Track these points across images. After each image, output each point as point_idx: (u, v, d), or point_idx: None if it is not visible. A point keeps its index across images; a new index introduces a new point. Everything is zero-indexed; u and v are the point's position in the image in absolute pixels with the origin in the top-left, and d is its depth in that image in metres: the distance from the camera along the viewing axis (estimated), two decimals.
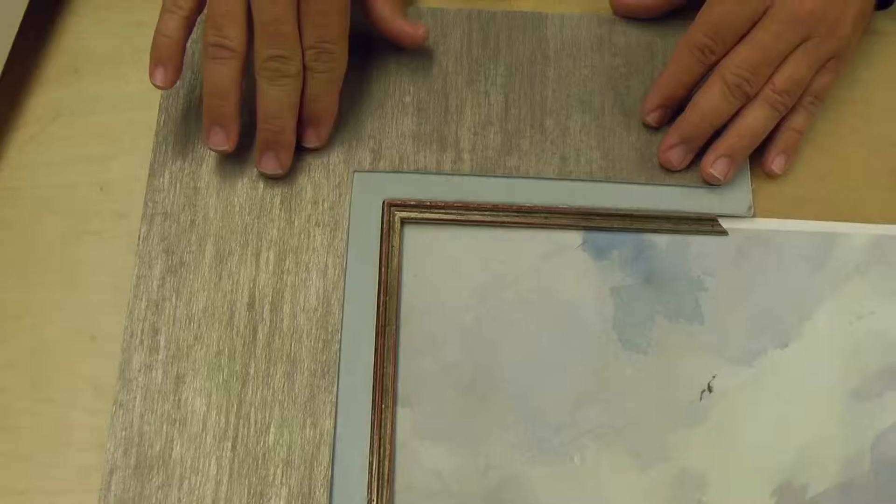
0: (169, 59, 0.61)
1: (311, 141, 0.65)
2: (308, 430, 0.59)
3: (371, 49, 0.69)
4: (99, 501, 0.58)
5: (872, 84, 0.70)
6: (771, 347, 0.63)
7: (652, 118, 0.67)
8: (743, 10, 0.63)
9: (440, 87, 0.68)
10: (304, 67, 0.61)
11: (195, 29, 0.63)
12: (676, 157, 0.65)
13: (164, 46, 0.61)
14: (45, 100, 0.68)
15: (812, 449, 0.61)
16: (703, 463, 0.60)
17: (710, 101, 0.64)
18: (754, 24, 0.63)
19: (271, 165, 0.64)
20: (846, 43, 0.65)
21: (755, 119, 0.64)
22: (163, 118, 0.66)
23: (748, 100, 0.64)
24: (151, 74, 0.61)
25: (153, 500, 0.58)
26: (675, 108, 0.67)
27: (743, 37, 0.64)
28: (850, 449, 0.61)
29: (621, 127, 0.67)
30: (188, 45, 0.62)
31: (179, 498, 0.58)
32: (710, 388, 0.62)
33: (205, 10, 0.61)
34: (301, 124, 0.64)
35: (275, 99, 0.62)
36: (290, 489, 0.58)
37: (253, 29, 0.60)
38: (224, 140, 0.62)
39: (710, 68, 0.65)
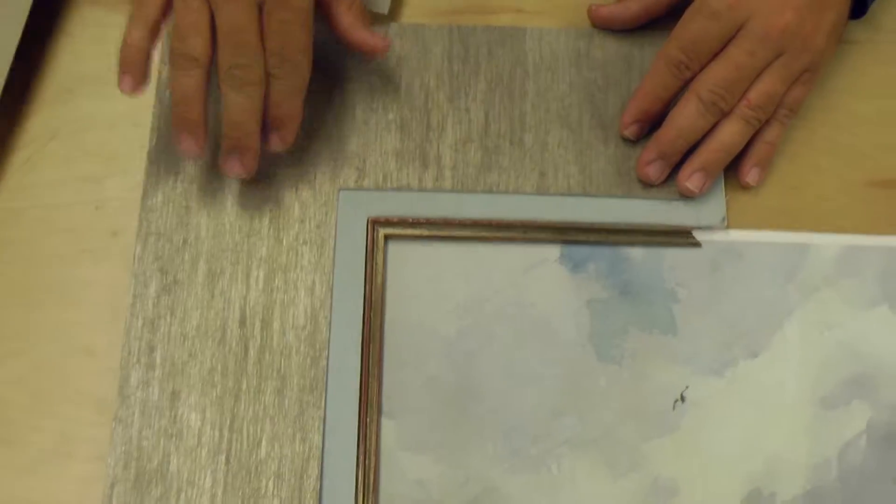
0: (135, 67, 0.63)
1: (275, 145, 0.66)
2: (298, 444, 0.62)
3: (354, 66, 0.70)
4: None
5: (845, 93, 0.72)
6: (742, 358, 0.65)
7: (630, 132, 0.68)
8: (717, 26, 0.64)
9: (422, 103, 0.69)
10: (268, 74, 0.63)
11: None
12: (654, 172, 0.67)
13: (130, 55, 0.63)
14: (41, 120, 0.70)
15: (781, 457, 0.63)
16: (675, 471, 0.63)
17: (686, 118, 0.66)
18: (729, 40, 0.65)
19: (236, 169, 0.65)
20: (820, 56, 0.66)
21: (730, 134, 0.66)
22: (154, 138, 0.68)
23: (723, 115, 0.65)
24: (120, 82, 0.63)
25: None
26: (652, 122, 0.68)
27: (717, 53, 0.65)
28: (817, 457, 0.63)
29: (598, 141, 0.69)
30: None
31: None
32: (682, 398, 0.64)
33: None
34: (265, 129, 0.65)
35: (238, 105, 0.63)
36: (281, 500, 0.61)
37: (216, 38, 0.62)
38: (194, 146, 0.64)
39: (686, 83, 0.66)
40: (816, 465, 0.63)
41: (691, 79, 0.66)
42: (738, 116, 0.66)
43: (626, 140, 0.69)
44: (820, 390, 0.64)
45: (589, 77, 0.70)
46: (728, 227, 0.67)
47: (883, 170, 0.70)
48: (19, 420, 0.63)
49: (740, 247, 0.67)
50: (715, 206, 0.67)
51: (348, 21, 0.66)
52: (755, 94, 0.65)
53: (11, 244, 0.67)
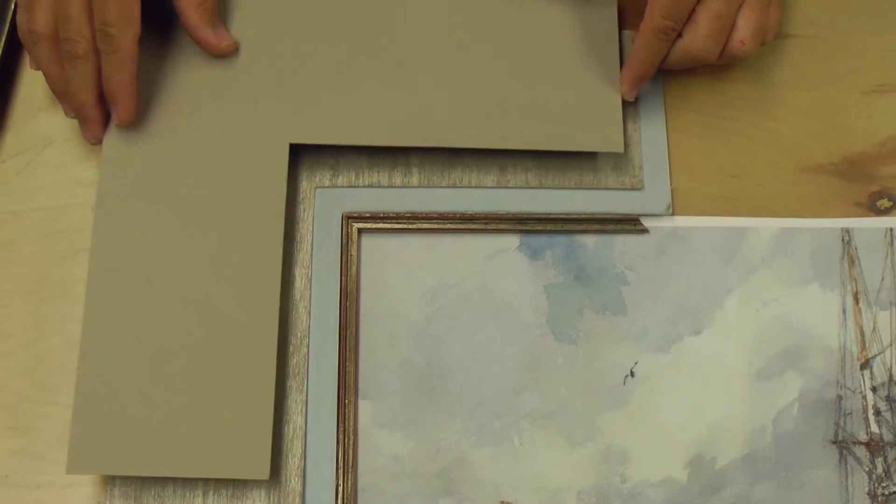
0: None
1: (114, 119, 0.70)
2: (283, 426, 0.67)
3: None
4: (107, 491, 0.66)
5: (781, 85, 0.75)
6: (686, 335, 0.70)
7: (630, 96, 0.72)
8: None
9: None
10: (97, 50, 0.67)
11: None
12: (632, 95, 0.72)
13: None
14: (37, 127, 0.74)
15: (721, 425, 0.68)
16: (625, 440, 0.68)
17: (673, 64, 0.70)
18: None
19: (86, 136, 0.71)
20: None
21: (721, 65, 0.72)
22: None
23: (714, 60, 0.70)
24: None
25: (152, 490, 0.66)
26: (647, 82, 0.72)
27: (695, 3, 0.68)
28: (754, 423, 0.68)
29: None
30: None
31: (174, 486, 0.67)
32: (632, 374, 0.69)
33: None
34: (108, 103, 0.69)
35: (70, 78, 0.68)
36: (268, 479, 0.65)
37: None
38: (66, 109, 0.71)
39: (674, 42, 0.69)
40: (753, 431, 0.68)
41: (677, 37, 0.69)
42: (733, 58, 0.70)
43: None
44: (756, 362, 0.70)
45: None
46: (673, 213, 0.72)
47: (812, 156, 0.74)
48: (28, 409, 0.68)
49: (684, 232, 0.72)
50: (661, 195, 0.72)
51: (194, 21, 0.70)
52: (746, 33, 0.68)
53: (14, 245, 0.72)
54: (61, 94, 0.70)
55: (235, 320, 0.67)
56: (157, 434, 0.65)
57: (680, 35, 0.69)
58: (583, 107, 0.72)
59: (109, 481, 0.66)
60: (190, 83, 0.72)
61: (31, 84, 0.75)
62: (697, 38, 0.68)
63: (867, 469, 0.68)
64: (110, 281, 0.68)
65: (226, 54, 0.72)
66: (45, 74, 0.70)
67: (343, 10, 0.74)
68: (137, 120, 0.70)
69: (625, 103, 0.73)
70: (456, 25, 0.74)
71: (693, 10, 0.68)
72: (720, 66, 0.74)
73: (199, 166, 0.70)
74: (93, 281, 0.68)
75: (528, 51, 0.73)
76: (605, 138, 0.71)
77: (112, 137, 0.71)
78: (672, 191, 0.73)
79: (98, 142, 0.70)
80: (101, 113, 0.70)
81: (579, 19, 0.74)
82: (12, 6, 0.74)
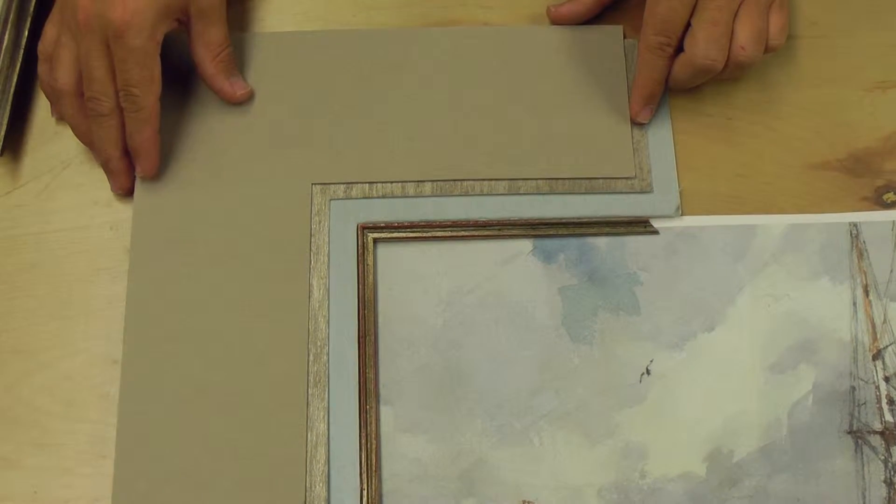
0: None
1: (137, 172, 0.72)
2: (307, 433, 0.68)
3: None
4: None
5: (785, 84, 0.77)
6: (699, 332, 0.71)
7: (642, 118, 0.74)
8: (680, 1, 0.69)
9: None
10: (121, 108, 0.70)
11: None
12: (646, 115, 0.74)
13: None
14: (54, 150, 0.76)
15: (737, 419, 0.69)
16: (643, 437, 0.69)
17: (682, 79, 0.72)
18: (695, 6, 0.69)
19: (112, 188, 0.74)
20: None
21: (733, 78, 0.74)
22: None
23: (723, 68, 0.71)
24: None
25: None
26: (658, 100, 0.74)
27: (688, 19, 0.70)
28: (769, 416, 0.69)
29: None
30: None
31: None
32: (648, 372, 0.70)
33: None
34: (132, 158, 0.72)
35: (96, 134, 0.71)
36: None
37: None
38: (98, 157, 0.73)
39: (673, 57, 0.71)
40: (769, 424, 0.69)
41: (675, 51, 0.71)
42: (738, 65, 0.71)
43: (639, 125, 0.75)
44: (770, 357, 0.71)
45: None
46: (682, 214, 0.73)
47: (818, 153, 0.75)
48: (55, 425, 0.69)
49: (694, 231, 0.73)
50: (669, 197, 0.73)
51: (210, 71, 0.73)
52: (745, 38, 0.70)
53: (37, 266, 0.73)
54: (88, 144, 0.73)
55: (267, 367, 0.70)
56: (196, 485, 0.67)
57: (683, 50, 0.71)
58: (593, 135, 0.75)
59: None
60: (213, 131, 0.75)
61: (46, 108, 0.77)
62: (698, 48, 0.70)
63: (883, 458, 0.69)
64: (147, 325, 0.70)
65: (241, 102, 0.75)
66: (70, 126, 0.72)
67: (356, 53, 0.77)
68: (167, 167, 0.73)
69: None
70: (465, 65, 0.77)
71: (688, 26, 0.70)
72: (736, 79, 0.76)
73: (226, 209, 0.73)
74: (129, 331, 0.70)
75: (537, 84, 0.76)
76: (615, 164, 0.74)
77: (143, 184, 0.73)
78: (680, 192, 0.74)
79: (125, 193, 0.73)
80: (126, 165, 0.72)
81: (586, 51, 0.77)
82: (26, 31, 0.75)
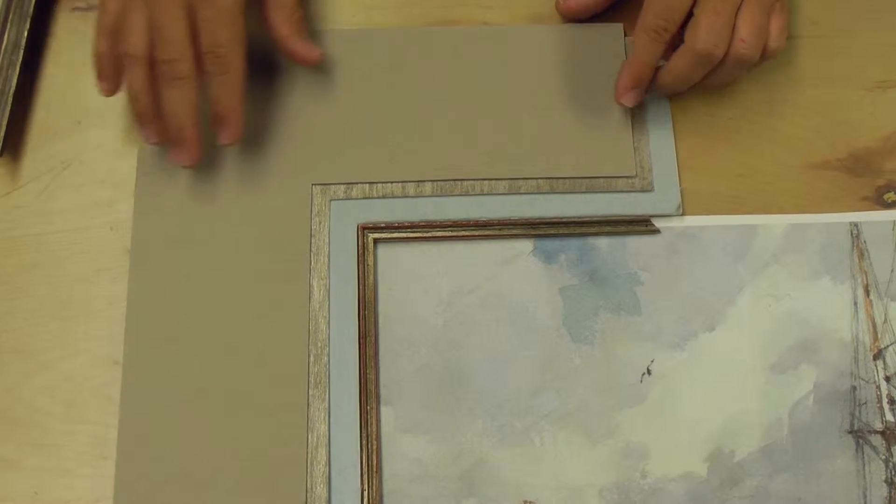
0: (108, 73, 0.70)
1: (222, 139, 0.70)
2: (308, 434, 0.68)
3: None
4: None
5: (786, 84, 0.77)
6: (700, 332, 0.71)
7: (626, 100, 0.73)
8: None
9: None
10: (204, 72, 0.68)
11: None
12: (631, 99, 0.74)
13: (102, 64, 0.70)
14: (54, 151, 0.75)
15: (738, 419, 0.69)
16: (644, 437, 0.69)
17: (682, 69, 0.71)
18: None
19: (179, 158, 0.70)
20: None
21: (732, 77, 0.73)
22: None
23: (720, 61, 0.70)
24: (99, 89, 0.70)
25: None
26: (645, 86, 0.73)
27: (690, 7, 0.69)
28: (770, 416, 0.70)
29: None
30: None
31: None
32: (648, 371, 0.70)
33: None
34: (214, 125, 0.70)
35: (171, 99, 0.68)
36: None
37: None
38: (153, 134, 0.70)
39: (669, 44, 0.71)
40: (770, 424, 0.69)
41: (672, 39, 0.70)
42: (737, 61, 0.70)
43: (623, 107, 0.75)
44: (771, 356, 0.71)
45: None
46: (683, 214, 0.73)
47: (818, 153, 0.75)
48: (56, 426, 0.69)
49: (695, 231, 0.73)
50: (671, 196, 0.73)
51: (284, 32, 0.71)
52: (746, 31, 0.69)
53: (37, 267, 0.72)
54: (150, 117, 0.69)
55: (268, 368, 0.70)
56: (197, 486, 0.67)
57: (682, 40, 0.70)
58: (594, 133, 0.75)
59: None
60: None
61: (46, 108, 0.76)
62: (699, 35, 0.69)
63: (884, 457, 0.69)
64: (148, 326, 0.70)
65: (315, 64, 0.73)
66: (134, 99, 0.69)
67: (356, 53, 0.77)
68: (167, 167, 0.73)
69: (632, 110, 0.75)
70: (465, 65, 0.77)
71: (691, 14, 0.69)
72: (733, 82, 0.75)
73: (227, 210, 0.73)
74: (130, 332, 0.70)
75: (537, 83, 0.76)
76: (616, 163, 0.74)
77: (143, 184, 0.73)
78: (681, 191, 0.74)
79: (196, 163, 0.71)
80: (199, 134, 0.70)
81: (586, 49, 0.77)
82: (26, 31, 0.75)
